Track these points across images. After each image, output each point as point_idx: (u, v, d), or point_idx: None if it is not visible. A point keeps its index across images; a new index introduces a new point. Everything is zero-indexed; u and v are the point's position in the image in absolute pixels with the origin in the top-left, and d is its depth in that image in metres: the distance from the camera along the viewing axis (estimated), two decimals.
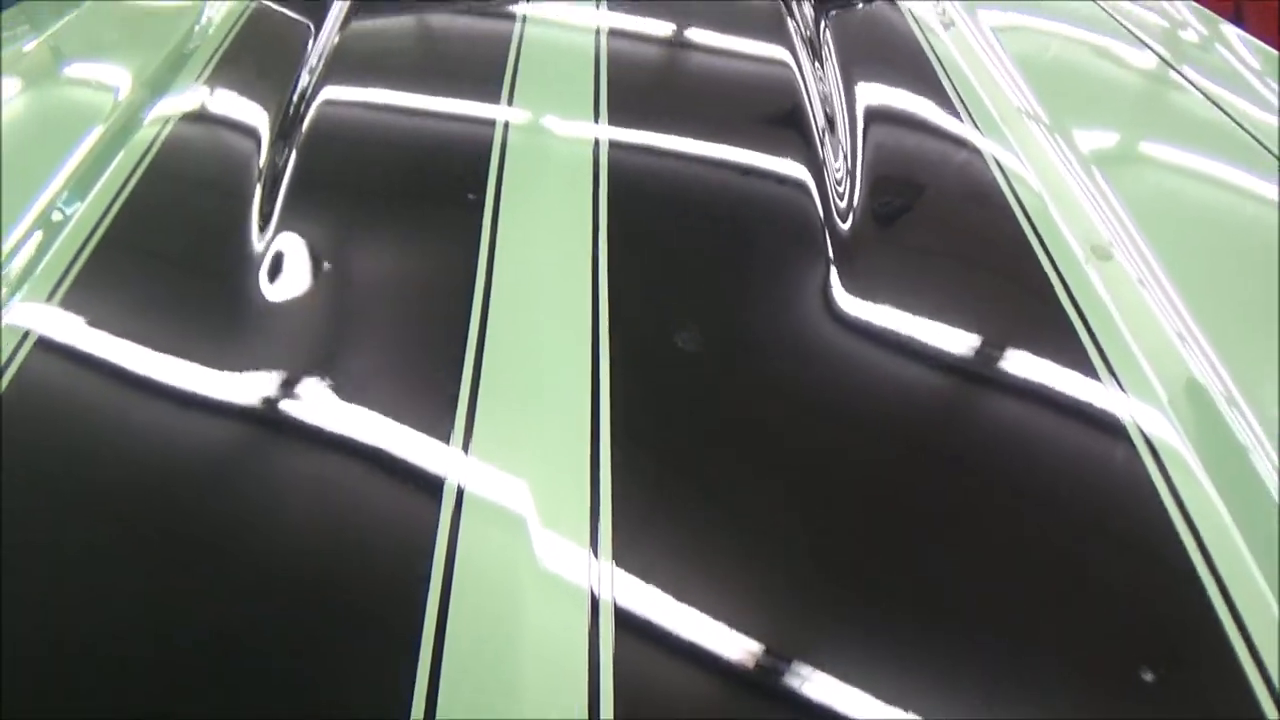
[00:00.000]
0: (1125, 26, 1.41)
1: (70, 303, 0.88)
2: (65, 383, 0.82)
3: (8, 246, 0.97)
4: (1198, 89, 1.23)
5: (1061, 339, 0.81)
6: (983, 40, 1.35)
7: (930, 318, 0.84)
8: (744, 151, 1.06)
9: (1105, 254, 0.91)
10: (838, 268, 0.88)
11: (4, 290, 0.91)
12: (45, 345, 0.84)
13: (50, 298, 0.89)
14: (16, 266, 0.94)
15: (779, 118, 1.14)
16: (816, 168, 1.01)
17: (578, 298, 0.83)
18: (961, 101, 1.18)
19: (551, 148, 1.05)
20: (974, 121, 1.14)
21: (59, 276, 0.92)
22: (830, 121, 1.14)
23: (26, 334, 0.85)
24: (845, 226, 0.95)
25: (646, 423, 0.73)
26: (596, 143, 1.05)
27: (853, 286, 0.86)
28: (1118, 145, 1.15)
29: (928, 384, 0.78)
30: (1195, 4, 1.53)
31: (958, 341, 0.81)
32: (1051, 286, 0.87)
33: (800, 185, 1.00)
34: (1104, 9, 1.47)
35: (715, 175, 1.04)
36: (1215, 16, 1.48)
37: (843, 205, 0.99)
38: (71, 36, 1.48)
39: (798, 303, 0.85)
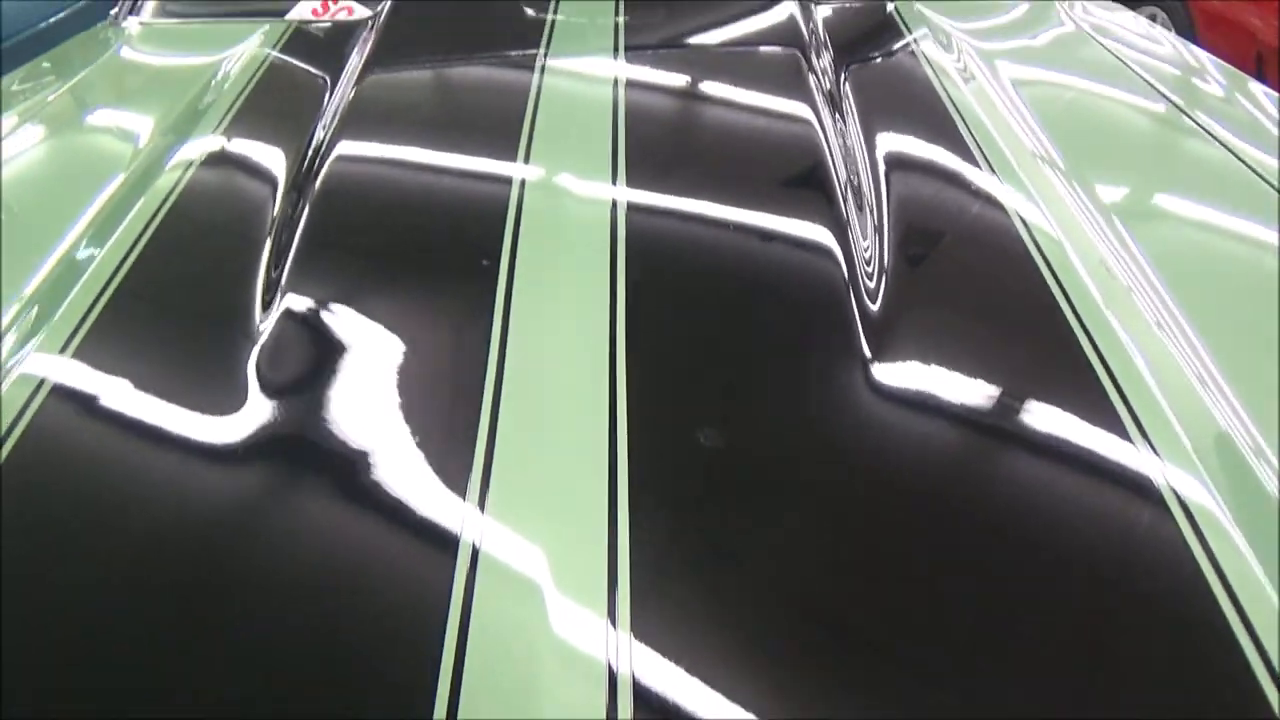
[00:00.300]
0: (1144, 79, 1.41)
1: (86, 352, 0.88)
2: (79, 434, 0.81)
3: (28, 291, 0.97)
4: (1220, 141, 1.22)
5: (1103, 420, 0.78)
6: (1003, 94, 1.34)
7: (964, 402, 0.81)
8: (767, 217, 1.03)
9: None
10: (869, 350, 0.85)
11: (14, 338, 0.90)
12: (60, 394, 0.83)
13: (66, 346, 0.88)
14: (35, 313, 0.94)
15: (802, 182, 1.12)
16: (844, 239, 0.99)
17: (595, 374, 0.81)
18: (984, 156, 1.16)
19: (568, 211, 1.04)
20: (996, 172, 1.13)
21: (76, 323, 0.91)
22: (855, 186, 1.11)
23: (41, 383, 0.84)
24: (875, 307, 0.91)
25: (665, 493, 0.71)
26: (614, 205, 1.03)
27: (884, 372, 0.83)
28: (1141, 200, 1.14)
29: (959, 469, 0.76)
30: (1215, 58, 1.52)
31: (992, 427, 0.79)
32: (1089, 363, 0.84)
33: (826, 254, 0.97)
34: (1121, 60, 1.47)
35: (737, 246, 1.01)
36: (1236, 71, 1.48)
37: (870, 276, 0.96)
38: (93, 87, 1.49)
39: (824, 389, 0.82)
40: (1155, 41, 1.61)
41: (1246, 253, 1.02)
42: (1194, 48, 1.59)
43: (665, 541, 0.67)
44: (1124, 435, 0.76)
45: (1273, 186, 1.10)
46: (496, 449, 0.74)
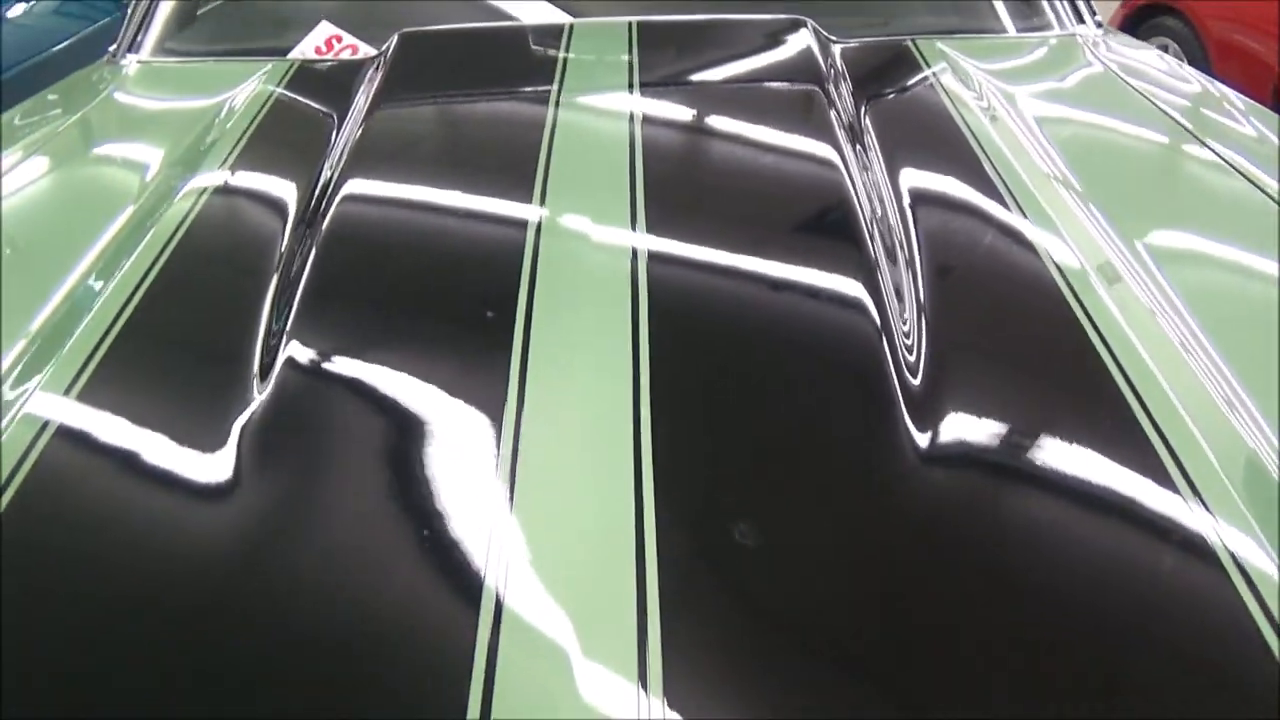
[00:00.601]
0: (1171, 116, 1.37)
1: (91, 393, 0.85)
2: (84, 480, 0.78)
3: (35, 327, 0.95)
4: (1255, 184, 1.17)
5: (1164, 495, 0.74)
6: (1027, 129, 1.30)
7: (1018, 483, 0.77)
8: (795, 270, 0.98)
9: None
10: (911, 423, 0.79)
11: (19, 374, 0.88)
12: (64, 436, 0.80)
13: (72, 386, 0.85)
14: (42, 348, 0.91)
15: (829, 228, 1.08)
16: (876, 293, 0.93)
17: (618, 456, 0.75)
18: (1011, 194, 1.12)
19: (587, 261, 0.99)
20: (1026, 214, 1.09)
21: (83, 360, 0.88)
22: (883, 226, 1.07)
23: (45, 424, 0.81)
24: (912, 361, 0.86)
25: (699, 601, 0.66)
26: (634, 255, 0.98)
27: (928, 449, 0.78)
28: (1182, 245, 1.09)
29: (1018, 555, 0.71)
30: (1244, 95, 1.49)
31: (1052, 521, 0.74)
32: (1145, 435, 0.79)
33: (860, 310, 0.92)
34: (1145, 96, 1.43)
35: (766, 305, 0.96)
36: (1263, 108, 1.44)
37: (906, 333, 0.91)
38: (92, 126, 1.45)
39: (867, 473, 0.77)
40: (1182, 79, 1.58)
41: None
42: (1222, 85, 1.55)
43: (700, 650, 0.62)
44: (1178, 494, 0.73)
45: None
46: (513, 537, 0.69)
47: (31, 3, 3.40)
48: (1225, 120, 1.41)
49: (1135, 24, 3.50)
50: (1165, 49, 3.37)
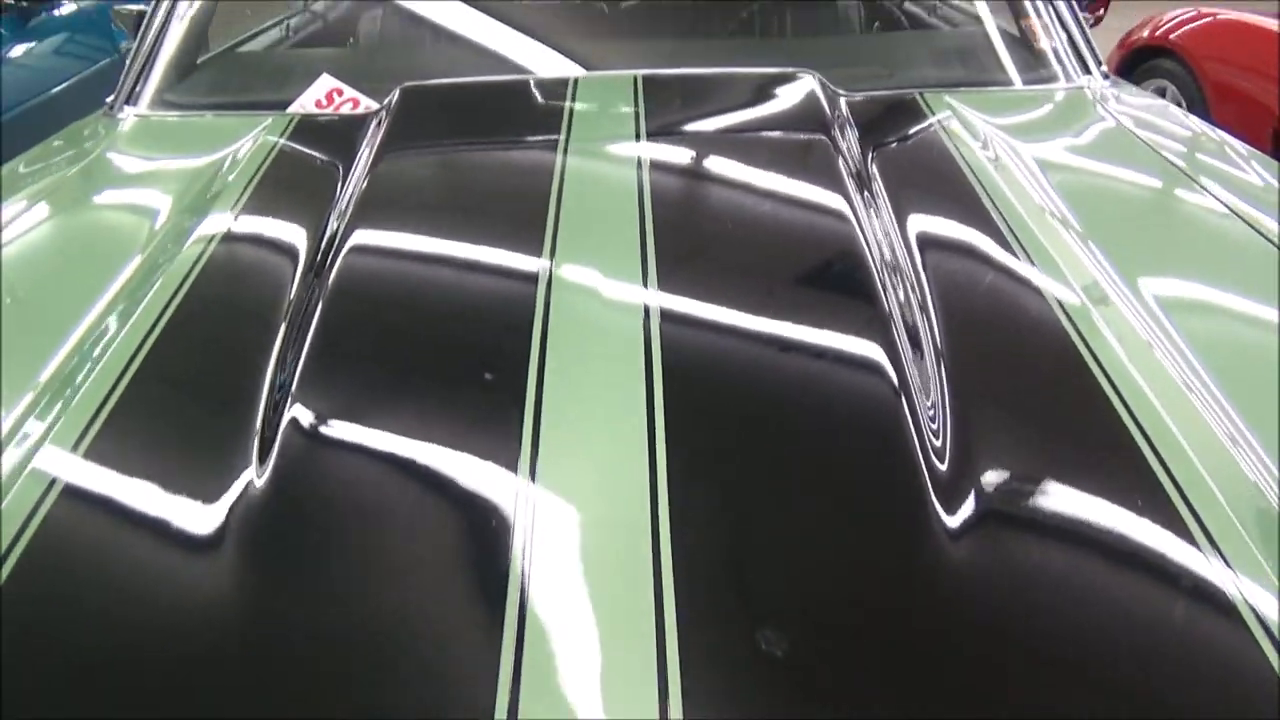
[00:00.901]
0: (1177, 165, 1.37)
1: (99, 449, 0.84)
2: (90, 541, 0.77)
3: (44, 378, 0.93)
4: (1254, 227, 1.17)
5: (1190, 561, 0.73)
6: (1033, 178, 1.29)
7: (1043, 554, 0.75)
8: (809, 330, 0.97)
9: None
10: (941, 509, 0.76)
11: (28, 428, 0.87)
12: (71, 496, 0.79)
13: (80, 442, 0.84)
14: (51, 400, 0.90)
15: (842, 284, 1.06)
16: (894, 352, 0.92)
17: (635, 539, 0.72)
18: (1020, 243, 1.12)
19: (599, 321, 0.97)
20: (1035, 262, 1.08)
21: (91, 414, 0.87)
22: (895, 273, 1.06)
23: (53, 482, 0.79)
24: (937, 440, 0.84)
25: (723, 706, 0.63)
26: (646, 313, 0.96)
27: (951, 519, 0.76)
28: (1199, 301, 1.08)
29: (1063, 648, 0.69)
30: (1252, 148, 1.48)
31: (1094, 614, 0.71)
32: (1169, 500, 0.77)
33: (878, 372, 0.90)
34: (1153, 149, 1.43)
35: (778, 366, 0.94)
36: (1268, 158, 1.44)
37: (925, 390, 0.90)
38: (91, 180, 1.44)
39: (893, 557, 0.74)
40: (1187, 128, 1.58)
41: None
42: (1224, 133, 1.55)
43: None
44: (1204, 556, 0.72)
45: None
46: (527, 625, 0.67)
47: (31, 44, 3.40)
48: (1227, 167, 1.41)
49: (1132, 66, 3.52)
50: (1163, 91, 3.39)
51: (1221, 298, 1.09)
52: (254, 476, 0.80)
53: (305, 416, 0.85)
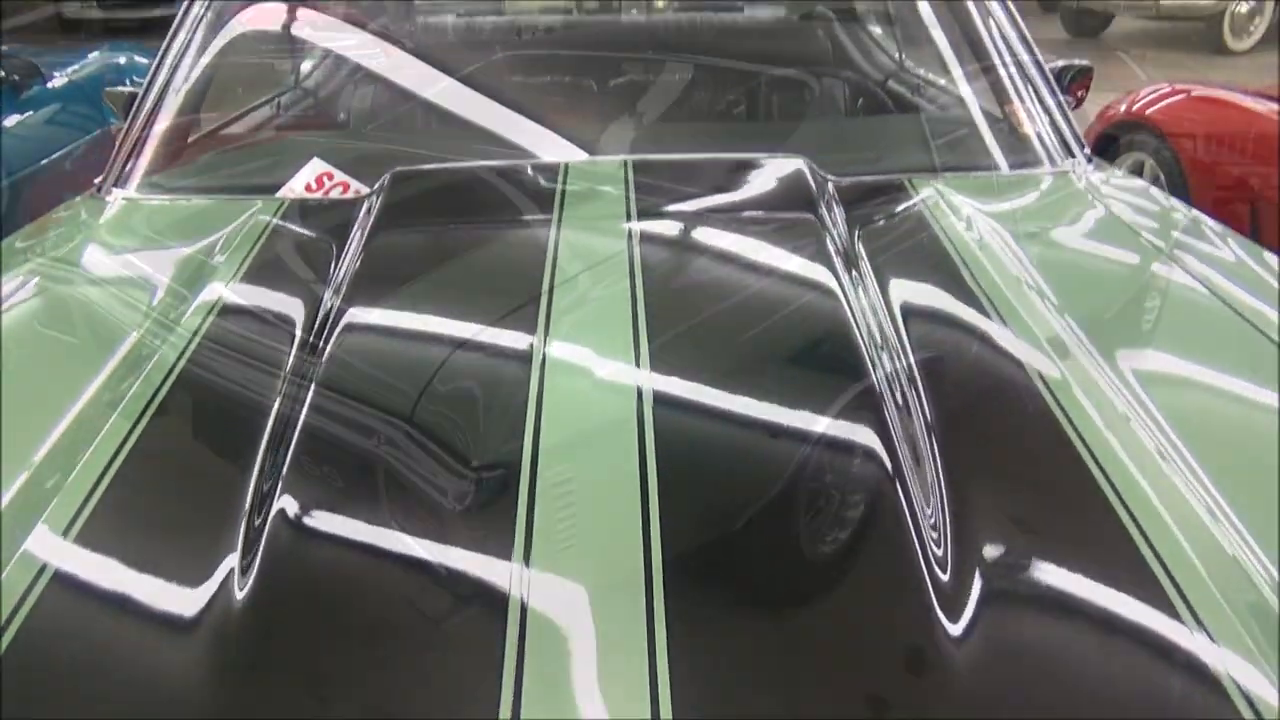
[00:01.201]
0: (1158, 247, 1.41)
1: (90, 534, 0.84)
2: (81, 628, 0.77)
3: (37, 458, 0.94)
4: (1238, 312, 1.20)
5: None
6: (1017, 258, 1.32)
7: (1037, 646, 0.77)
8: (799, 415, 0.98)
9: None
10: (940, 611, 0.77)
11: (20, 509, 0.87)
12: (62, 582, 0.79)
13: (70, 527, 0.85)
14: (45, 483, 0.90)
15: (834, 367, 1.08)
16: (888, 439, 0.93)
17: (632, 643, 0.72)
18: (1005, 323, 1.15)
19: (592, 406, 0.99)
20: (1015, 333, 1.12)
21: (84, 497, 0.88)
22: (888, 362, 1.07)
23: (44, 568, 0.80)
24: (931, 520, 0.85)
25: None
26: (639, 396, 0.98)
27: (949, 615, 0.77)
28: (1184, 386, 1.12)
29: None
30: (1230, 229, 1.52)
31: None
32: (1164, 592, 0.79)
33: (874, 461, 0.91)
34: (1134, 230, 1.46)
35: (770, 453, 0.95)
36: (1246, 240, 1.48)
37: (916, 467, 0.91)
38: (76, 264, 1.44)
39: (887, 633, 0.77)
40: (1169, 210, 1.62)
41: None
42: (1204, 216, 1.58)
43: None
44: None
45: None
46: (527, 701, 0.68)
47: (27, 113, 3.45)
48: (1204, 245, 1.45)
49: (1111, 139, 3.58)
50: (1141, 164, 3.45)
51: (1197, 372, 1.12)
52: (241, 565, 0.80)
53: (293, 506, 0.86)
